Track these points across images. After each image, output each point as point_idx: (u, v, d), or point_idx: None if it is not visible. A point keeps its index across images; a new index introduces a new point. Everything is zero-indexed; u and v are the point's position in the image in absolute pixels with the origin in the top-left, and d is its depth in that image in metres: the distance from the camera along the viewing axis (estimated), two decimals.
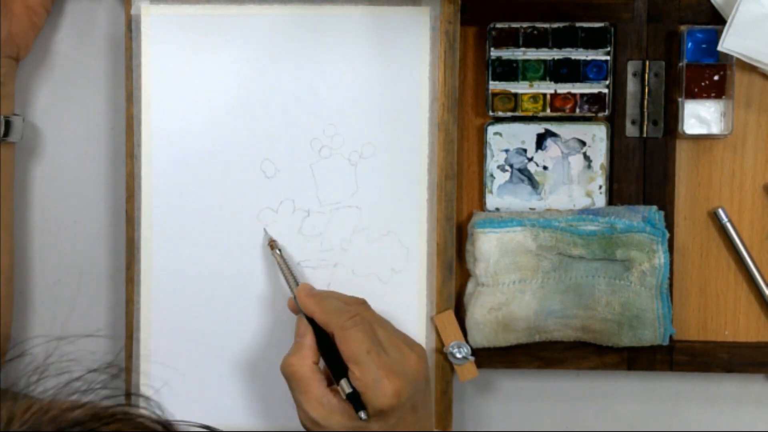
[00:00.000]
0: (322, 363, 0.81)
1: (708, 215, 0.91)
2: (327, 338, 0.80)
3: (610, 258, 0.87)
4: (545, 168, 0.90)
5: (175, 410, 0.89)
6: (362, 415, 0.77)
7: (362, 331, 0.78)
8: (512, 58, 0.89)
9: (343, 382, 0.78)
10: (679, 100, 0.88)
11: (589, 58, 0.88)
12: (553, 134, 0.90)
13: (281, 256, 0.86)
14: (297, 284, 0.85)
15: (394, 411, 0.77)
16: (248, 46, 0.88)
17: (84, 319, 0.93)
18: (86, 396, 0.61)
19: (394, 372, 0.77)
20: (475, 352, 0.88)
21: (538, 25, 0.88)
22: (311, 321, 0.81)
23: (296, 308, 0.83)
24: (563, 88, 0.89)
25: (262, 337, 0.89)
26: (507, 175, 0.90)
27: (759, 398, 0.93)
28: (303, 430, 0.89)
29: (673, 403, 0.93)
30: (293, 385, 0.80)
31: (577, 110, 0.89)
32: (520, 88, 0.89)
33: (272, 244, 0.87)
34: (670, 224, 0.88)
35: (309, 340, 0.81)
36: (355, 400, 0.78)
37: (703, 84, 0.88)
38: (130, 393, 0.89)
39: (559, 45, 0.88)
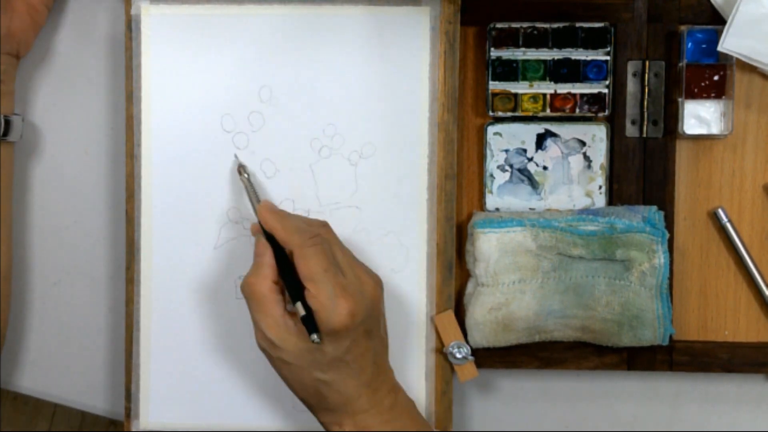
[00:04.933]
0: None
1: (708, 215, 0.91)
2: (286, 258, 0.80)
3: (610, 258, 0.87)
4: (545, 168, 0.90)
5: (175, 410, 0.89)
6: (315, 338, 0.77)
7: (321, 252, 0.78)
8: (512, 58, 0.89)
9: (299, 304, 0.78)
10: (679, 100, 0.88)
11: (589, 58, 0.88)
12: (553, 134, 0.90)
13: (249, 180, 0.86)
14: None
15: (348, 332, 0.77)
16: (248, 46, 0.88)
17: (84, 319, 0.93)
18: None
19: (349, 293, 0.78)
20: (475, 352, 0.88)
21: (538, 25, 0.88)
22: (271, 241, 0.81)
23: (258, 229, 0.83)
24: (563, 88, 0.89)
25: None
26: (507, 175, 0.90)
27: (759, 398, 0.93)
28: (303, 430, 0.89)
29: (673, 403, 0.93)
30: (252, 305, 0.80)
31: (577, 110, 0.89)
32: (520, 88, 0.89)
33: (240, 169, 0.87)
34: (670, 224, 0.88)
35: (268, 258, 0.80)
36: (309, 323, 0.78)
37: (703, 84, 0.88)
38: (130, 392, 0.89)
39: (559, 45, 0.88)
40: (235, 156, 0.88)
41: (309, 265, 0.78)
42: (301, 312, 0.78)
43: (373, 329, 0.80)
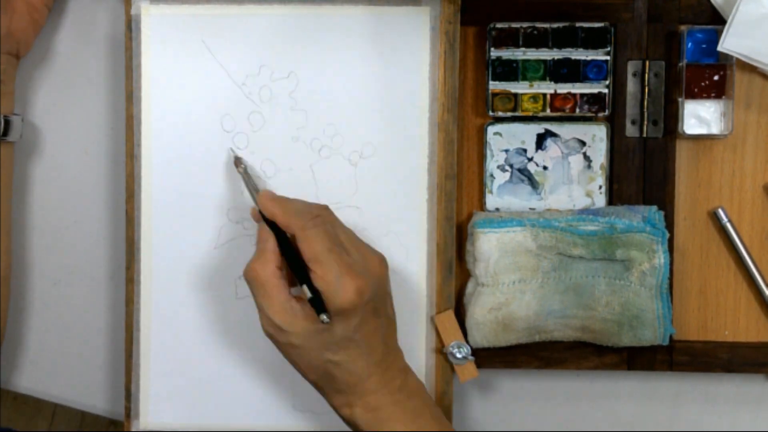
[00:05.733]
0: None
1: (708, 215, 0.91)
2: (289, 243, 0.80)
3: (610, 258, 0.87)
4: (545, 168, 0.90)
5: (175, 410, 0.89)
6: (324, 317, 0.77)
7: (324, 232, 0.78)
8: (512, 58, 0.89)
9: (305, 287, 0.78)
10: (679, 100, 0.88)
11: (589, 58, 0.88)
12: (553, 134, 0.90)
13: (246, 171, 0.86)
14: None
15: (356, 310, 0.77)
16: (248, 46, 0.88)
17: (84, 319, 0.93)
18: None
19: (355, 271, 0.77)
20: (475, 352, 0.88)
21: (538, 25, 0.88)
22: (273, 227, 0.81)
23: (258, 216, 0.82)
24: (563, 88, 0.89)
25: (262, 336, 0.89)
26: (507, 175, 0.90)
27: (759, 398, 0.93)
28: (303, 430, 0.89)
29: (673, 403, 0.93)
30: (256, 290, 0.79)
31: (577, 110, 0.89)
32: (520, 88, 0.89)
33: (237, 161, 0.86)
34: (670, 224, 0.88)
35: (271, 244, 0.80)
36: (317, 304, 0.77)
37: (703, 84, 0.88)
38: (130, 392, 0.89)
39: (559, 45, 0.88)
40: (231, 150, 0.88)
41: (312, 246, 0.77)
42: (308, 294, 0.77)
43: (380, 308, 0.80)
